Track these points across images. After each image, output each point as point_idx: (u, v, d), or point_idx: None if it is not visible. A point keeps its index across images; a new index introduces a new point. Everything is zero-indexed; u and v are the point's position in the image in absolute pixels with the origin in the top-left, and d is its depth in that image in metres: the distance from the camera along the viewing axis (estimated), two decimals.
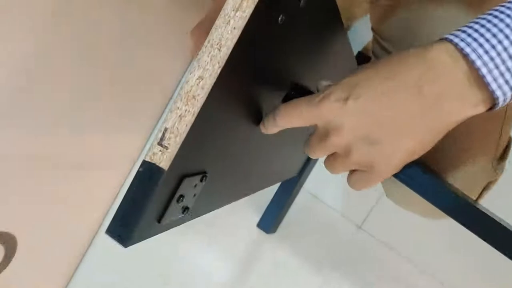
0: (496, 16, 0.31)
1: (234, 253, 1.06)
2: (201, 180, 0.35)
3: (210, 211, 0.42)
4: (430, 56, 0.32)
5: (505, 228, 0.38)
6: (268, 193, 0.98)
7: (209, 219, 1.08)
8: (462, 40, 0.31)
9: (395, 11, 0.55)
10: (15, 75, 0.68)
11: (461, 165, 0.53)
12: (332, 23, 0.43)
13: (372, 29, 0.60)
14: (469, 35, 0.31)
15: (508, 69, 0.30)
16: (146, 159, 0.29)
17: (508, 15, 0.31)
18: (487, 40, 0.31)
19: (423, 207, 0.65)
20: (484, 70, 0.30)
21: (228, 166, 0.39)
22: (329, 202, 1.00)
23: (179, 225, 0.38)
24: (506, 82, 0.31)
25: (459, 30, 0.32)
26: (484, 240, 0.39)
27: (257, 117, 0.38)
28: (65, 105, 0.81)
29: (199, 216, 0.41)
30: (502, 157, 0.59)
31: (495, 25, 0.31)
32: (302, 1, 0.33)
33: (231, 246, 1.06)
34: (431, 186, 0.40)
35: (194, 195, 0.36)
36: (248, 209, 1.01)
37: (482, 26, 0.31)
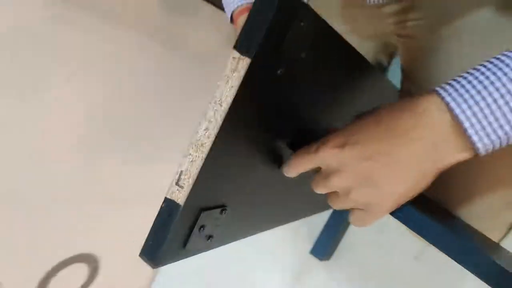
0: (483, 73, 0.33)
1: (285, 282, 1.08)
2: (221, 213, 0.41)
3: (238, 239, 0.47)
4: (421, 107, 0.35)
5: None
6: (320, 217, 0.99)
7: (258, 245, 1.13)
8: (449, 94, 0.34)
9: (420, 46, 0.57)
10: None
11: (476, 200, 0.53)
12: (351, 62, 0.46)
13: (403, 70, 0.62)
14: (456, 90, 0.34)
15: (489, 123, 0.33)
16: (167, 197, 0.35)
17: (494, 73, 0.33)
18: (472, 96, 0.33)
19: None
20: (466, 124, 0.33)
21: (248, 201, 0.44)
22: (385, 227, 0.99)
23: (208, 250, 0.43)
24: (487, 135, 0.33)
25: (448, 83, 0.35)
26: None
27: (268, 158, 0.43)
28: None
29: (227, 243, 0.46)
30: None
31: (480, 82, 0.33)
32: (303, 53, 0.37)
33: (282, 275, 1.09)
34: (426, 225, 0.41)
35: (217, 226, 0.41)
36: (299, 234, 1.04)
37: (469, 82, 0.33)
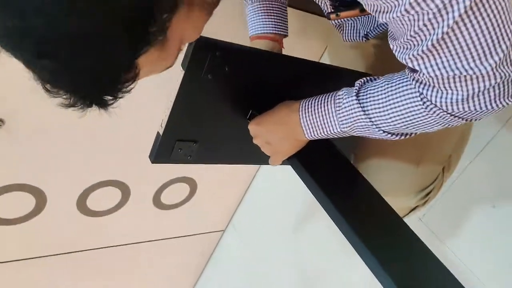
0: (320, 100, 0.67)
1: None
2: (194, 144, 0.78)
3: (212, 163, 0.85)
4: (292, 109, 0.70)
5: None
6: None
7: None
8: (302, 105, 0.68)
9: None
10: None
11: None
12: (277, 66, 0.77)
13: None
14: (305, 104, 0.68)
15: (313, 126, 0.67)
16: (158, 131, 0.74)
17: (326, 100, 0.66)
18: (308, 108, 0.67)
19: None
20: (302, 124, 0.68)
21: (213, 142, 0.80)
22: None
23: (190, 163, 0.81)
24: (311, 133, 0.68)
25: (308, 99, 0.69)
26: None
27: (225, 118, 0.78)
28: None
29: (205, 163, 0.84)
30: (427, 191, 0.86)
31: (316, 104, 0.66)
32: (226, 67, 0.71)
33: None
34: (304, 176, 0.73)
35: (192, 151, 0.79)
36: None
37: (313, 102, 0.67)
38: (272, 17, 0.89)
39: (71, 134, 1.13)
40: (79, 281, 1.61)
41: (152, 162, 0.77)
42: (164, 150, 0.76)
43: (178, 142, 0.76)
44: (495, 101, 0.51)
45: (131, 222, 1.51)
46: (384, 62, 0.81)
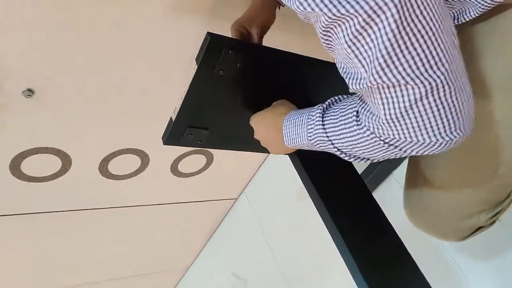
0: (300, 112, 0.68)
1: None
2: (204, 131, 0.84)
3: (221, 149, 0.90)
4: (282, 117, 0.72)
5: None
6: None
7: None
8: (287, 116, 0.71)
9: None
10: None
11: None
12: (287, 64, 0.81)
13: None
14: (291, 114, 0.70)
15: (291, 137, 0.69)
16: (171, 116, 0.80)
17: (302, 114, 0.67)
18: (290, 122, 0.69)
19: (440, 231, 0.84)
20: (284, 133, 0.70)
21: (222, 130, 0.85)
22: None
23: (200, 147, 0.87)
24: (289, 142, 0.70)
25: (292, 112, 0.70)
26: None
27: (233, 109, 0.83)
28: None
29: (214, 148, 0.90)
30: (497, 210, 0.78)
31: (296, 118, 0.68)
32: (238, 64, 0.75)
33: None
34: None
35: (202, 136, 0.85)
36: None
37: (295, 114, 0.69)
38: None
39: (95, 105, 1.20)
40: (98, 235, 1.75)
41: (164, 144, 0.83)
42: (175, 134, 0.82)
43: (189, 128, 0.82)
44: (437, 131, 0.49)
45: (149, 186, 1.61)
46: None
